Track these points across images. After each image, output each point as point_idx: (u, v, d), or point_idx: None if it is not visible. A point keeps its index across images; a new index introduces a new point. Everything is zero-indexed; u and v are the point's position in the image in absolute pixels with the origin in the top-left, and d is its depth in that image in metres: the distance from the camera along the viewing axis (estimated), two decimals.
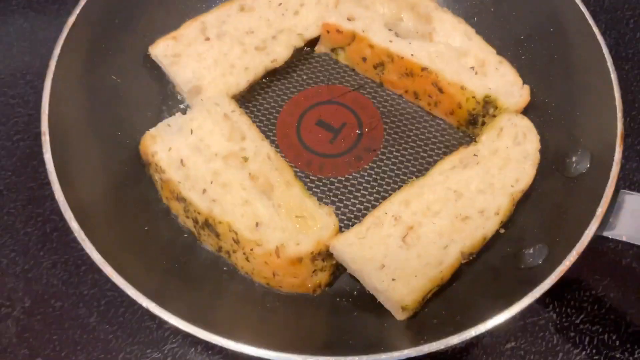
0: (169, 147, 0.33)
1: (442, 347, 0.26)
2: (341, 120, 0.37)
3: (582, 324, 0.32)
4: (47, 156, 0.29)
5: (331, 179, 0.35)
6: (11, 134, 0.37)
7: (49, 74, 0.31)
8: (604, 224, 0.28)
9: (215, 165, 0.33)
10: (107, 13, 0.35)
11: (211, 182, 0.32)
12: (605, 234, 0.28)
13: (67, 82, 0.32)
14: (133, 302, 0.26)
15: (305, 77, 0.38)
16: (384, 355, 0.25)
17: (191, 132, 0.33)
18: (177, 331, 0.31)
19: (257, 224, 0.31)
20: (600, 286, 0.33)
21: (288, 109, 0.37)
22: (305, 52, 0.39)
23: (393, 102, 0.38)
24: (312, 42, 0.39)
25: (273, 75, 0.38)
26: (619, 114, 0.31)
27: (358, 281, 0.31)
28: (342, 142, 0.36)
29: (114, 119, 0.34)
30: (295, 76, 0.38)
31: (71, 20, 0.33)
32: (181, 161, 0.33)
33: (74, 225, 0.27)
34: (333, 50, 0.39)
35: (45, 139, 0.29)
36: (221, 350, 0.31)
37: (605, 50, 0.32)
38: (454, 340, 0.26)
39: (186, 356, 0.31)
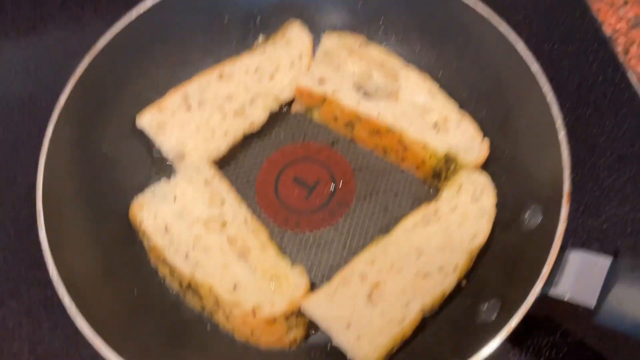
0: (154, 215, 0.36)
1: None
2: (316, 176, 0.40)
3: None
4: (42, 234, 0.32)
5: (307, 234, 0.38)
6: (14, 202, 0.40)
7: (43, 152, 0.34)
8: (550, 282, 0.30)
9: (196, 230, 0.36)
10: (95, 89, 0.37)
11: (193, 247, 0.35)
12: (550, 292, 0.30)
13: (60, 158, 0.35)
14: None
15: (282, 135, 0.41)
16: None
17: (175, 199, 0.36)
18: None
19: (234, 287, 0.34)
20: (558, 332, 0.36)
21: (266, 167, 0.40)
22: (282, 112, 0.41)
23: (364, 157, 0.40)
24: (289, 103, 0.41)
25: (252, 136, 0.40)
26: (567, 172, 0.33)
27: None
28: (317, 198, 0.39)
29: (106, 187, 0.37)
30: (273, 135, 0.41)
31: (62, 99, 0.36)
32: (166, 227, 0.36)
33: (66, 301, 0.30)
34: (308, 109, 0.41)
35: (40, 217, 0.32)
36: None
37: (555, 109, 0.34)
38: None
39: None
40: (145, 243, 0.36)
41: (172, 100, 0.39)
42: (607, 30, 0.47)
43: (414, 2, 0.40)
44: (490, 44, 0.37)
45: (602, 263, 0.30)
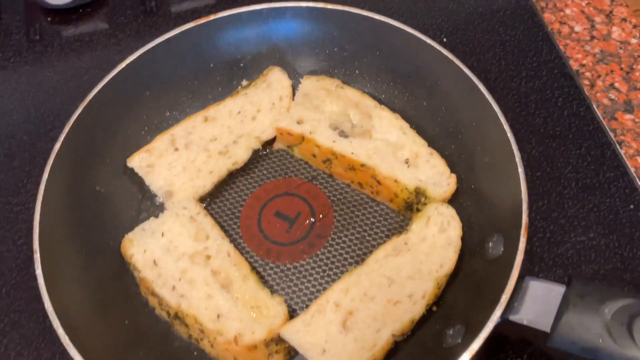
0: (144, 250, 0.39)
1: None
2: (296, 210, 0.42)
3: None
4: (38, 272, 0.35)
5: (287, 266, 0.40)
6: (15, 239, 0.43)
7: (39, 197, 0.37)
8: (509, 308, 0.33)
9: (182, 264, 0.38)
10: (88, 134, 0.40)
11: (179, 279, 0.38)
12: (510, 317, 0.33)
13: (55, 199, 0.38)
14: None
15: (265, 172, 0.44)
16: None
17: (162, 235, 0.39)
18: None
19: (218, 316, 0.36)
20: (525, 354, 0.38)
21: (250, 202, 0.43)
22: (265, 150, 0.44)
23: (342, 191, 0.43)
24: (270, 141, 0.44)
25: (236, 173, 0.43)
26: (525, 206, 0.35)
27: None
28: (297, 230, 0.41)
29: (98, 225, 0.40)
30: (256, 172, 0.44)
31: (57, 146, 0.39)
32: (154, 261, 0.38)
33: (60, 332, 0.33)
34: (289, 146, 0.44)
35: (37, 257, 0.35)
36: None
37: (514, 146, 0.37)
38: None
39: None
40: (136, 275, 0.39)
41: (160, 143, 0.42)
42: (574, 65, 0.50)
43: (385, 48, 0.43)
44: (456, 86, 0.40)
45: (556, 290, 0.33)
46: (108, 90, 0.40)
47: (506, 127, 0.37)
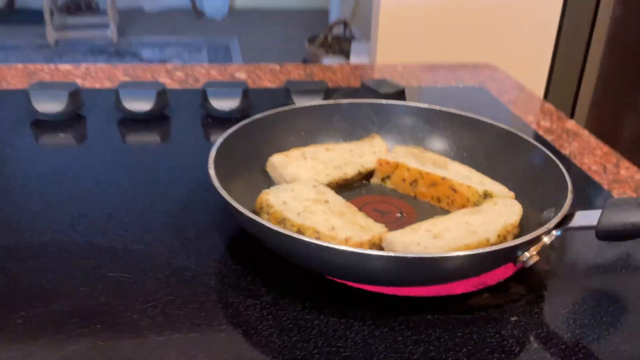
0: (277, 196, 0.51)
1: None
2: (388, 209, 0.54)
3: None
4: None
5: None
6: None
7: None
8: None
9: (306, 203, 0.49)
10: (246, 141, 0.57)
11: (303, 210, 0.49)
12: None
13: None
14: None
15: (364, 191, 0.58)
16: None
17: (292, 190, 0.51)
18: None
19: (332, 227, 0.46)
20: None
21: (352, 203, 0.55)
22: (365, 181, 0.59)
23: (423, 204, 0.56)
24: (369, 176, 0.59)
25: (343, 187, 0.57)
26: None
27: None
28: (388, 219, 0.53)
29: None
30: (358, 191, 0.57)
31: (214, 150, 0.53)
32: (284, 201, 0.50)
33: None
34: (383, 179, 0.59)
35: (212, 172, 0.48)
36: None
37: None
38: None
39: None
40: (267, 212, 0.50)
41: (294, 153, 0.58)
42: None
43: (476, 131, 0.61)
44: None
45: None
46: (274, 117, 0.59)
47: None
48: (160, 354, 0.39)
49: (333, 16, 3.81)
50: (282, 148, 0.58)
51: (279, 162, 0.56)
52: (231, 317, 0.42)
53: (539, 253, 0.44)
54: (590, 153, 0.70)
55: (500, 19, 1.28)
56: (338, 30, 3.45)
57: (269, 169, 0.57)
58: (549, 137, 0.74)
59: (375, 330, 0.42)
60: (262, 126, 0.58)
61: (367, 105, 0.64)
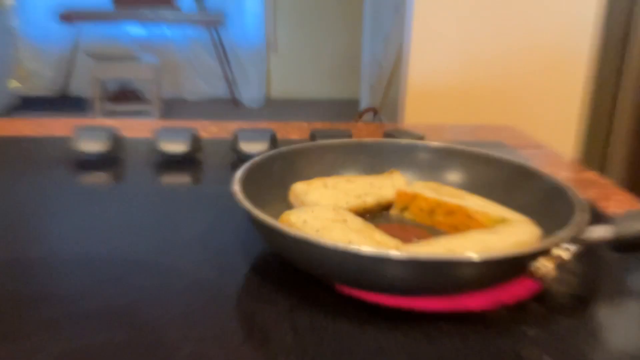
0: (298, 216, 0.53)
1: None
2: (405, 235, 0.55)
3: None
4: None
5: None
6: None
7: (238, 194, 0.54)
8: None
9: (325, 222, 0.51)
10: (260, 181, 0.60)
11: (322, 228, 0.50)
12: None
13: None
14: None
15: (382, 220, 0.59)
16: None
17: (312, 211, 0.53)
18: None
19: (349, 242, 0.48)
20: None
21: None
22: (383, 214, 0.61)
23: (441, 233, 0.57)
24: (388, 207, 0.61)
25: (362, 216, 0.59)
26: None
27: None
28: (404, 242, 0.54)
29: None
30: (376, 220, 0.59)
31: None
32: (304, 220, 0.52)
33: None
34: (401, 210, 0.60)
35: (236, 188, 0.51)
36: None
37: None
38: None
39: None
40: None
41: (316, 182, 0.60)
42: None
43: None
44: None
45: None
46: (298, 151, 0.62)
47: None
48: (176, 353, 0.40)
49: (363, 105, 3.96)
50: (305, 179, 0.61)
51: (301, 190, 0.59)
52: (248, 320, 0.43)
53: (558, 272, 0.45)
54: (611, 198, 0.70)
55: (524, 105, 1.33)
56: (367, 118, 3.56)
57: (291, 197, 0.59)
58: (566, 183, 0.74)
59: (390, 337, 0.42)
60: (287, 158, 0.61)
61: (388, 144, 0.66)
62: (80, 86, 4.56)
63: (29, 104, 4.34)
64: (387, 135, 0.77)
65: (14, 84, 4.53)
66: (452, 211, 0.57)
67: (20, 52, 4.56)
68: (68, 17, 4.14)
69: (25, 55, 4.59)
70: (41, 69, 4.63)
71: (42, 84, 4.63)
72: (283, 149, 0.62)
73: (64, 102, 4.39)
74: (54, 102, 4.37)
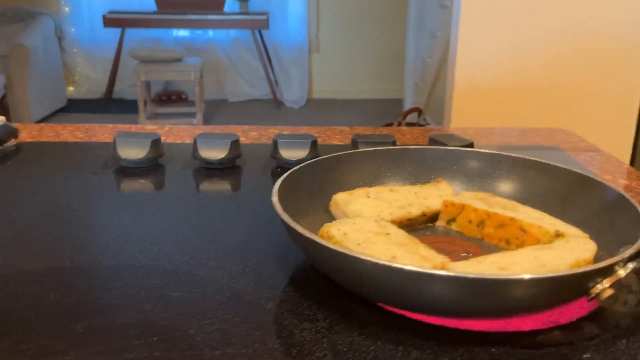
0: (338, 228, 0.51)
1: None
2: (453, 249, 0.53)
3: None
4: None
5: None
6: None
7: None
8: None
9: (367, 235, 0.49)
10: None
11: (364, 241, 0.48)
12: None
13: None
14: None
15: (429, 232, 0.56)
16: None
17: (354, 223, 0.51)
18: None
19: (393, 257, 0.45)
20: None
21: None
22: (430, 223, 0.58)
23: (491, 247, 0.54)
24: (434, 218, 0.58)
25: (408, 229, 0.56)
26: None
27: None
28: (453, 257, 0.51)
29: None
30: (422, 232, 0.56)
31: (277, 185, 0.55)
32: (345, 233, 0.50)
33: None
34: (448, 222, 0.57)
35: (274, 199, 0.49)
36: None
37: None
38: None
39: None
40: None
41: (358, 192, 0.58)
42: None
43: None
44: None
45: None
46: (339, 158, 0.60)
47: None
48: None
49: (407, 105, 3.90)
50: (346, 189, 0.59)
51: (342, 200, 0.57)
52: (285, 337, 0.42)
53: (615, 291, 0.41)
54: None
55: (576, 106, 1.27)
56: (412, 118, 3.51)
57: (332, 207, 0.58)
58: (628, 194, 0.70)
59: None
60: (328, 166, 0.60)
61: (434, 151, 0.64)
62: (125, 88, 4.67)
63: (76, 106, 4.47)
64: (433, 140, 0.74)
65: (70, 90, 4.68)
66: (503, 224, 0.54)
67: (70, 57, 4.71)
68: (114, 22, 4.24)
69: (75, 60, 4.73)
70: (90, 72, 4.76)
71: (90, 87, 4.76)
72: (323, 157, 0.60)
73: (111, 104, 4.50)
74: (102, 104, 4.48)
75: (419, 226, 0.57)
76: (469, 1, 1.85)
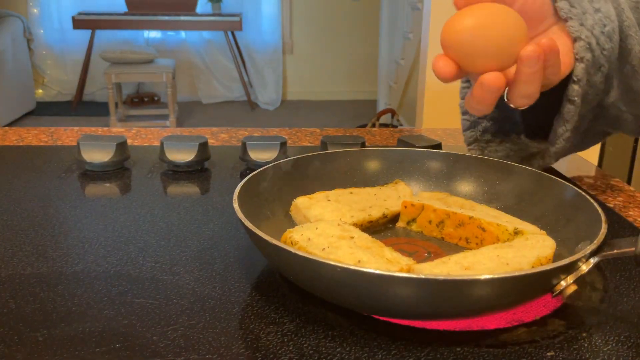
0: (301, 234, 0.50)
1: None
2: (415, 249, 0.53)
3: None
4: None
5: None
6: None
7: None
8: None
9: (331, 239, 0.49)
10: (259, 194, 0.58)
11: (328, 246, 0.48)
12: None
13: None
14: None
15: (389, 233, 0.57)
16: None
17: (316, 228, 0.51)
18: None
19: (359, 261, 0.45)
20: None
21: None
22: (390, 225, 0.58)
23: (452, 245, 0.54)
24: (394, 220, 0.58)
25: (368, 230, 0.56)
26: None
27: None
28: (416, 258, 0.52)
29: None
30: (383, 233, 0.57)
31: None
32: (309, 238, 0.50)
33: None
34: (408, 223, 0.58)
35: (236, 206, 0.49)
36: None
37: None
38: None
39: None
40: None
41: (318, 196, 0.58)
42: None
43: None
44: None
45: None
46: (298, 162, 0.60)
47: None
48: None
49: (381, 106, 3.93)
50: (306, 193, 0.59)
51: (303, 204, 0.57)
52: (251, 342, 0.41)
53: (578, 287, 0.42)
54: (637, 207, 0.67)
55: None
56: (386, 119, 3.52)
57: (292, 211, 0.57)
58: (592, 192, 0.71)
59: None
60: (286, 170, 0.59)
61: (393, 152, 0.64)
62: (96, 90, 4.60)
63: (46, 109, 4.38)
64: (402, 141, 0.75)
65: (39, 92, 4.58)
66: (463, 223, 0.54)
67: (39, 59, 4.62)
68: (84, 23, 4.18)
69: (44, 62, 4.64)
70: (59, 74, 4.68)
71: (60, 89, 4.68)
72: (281, 161, 0.60)
73: (82, 107, 4.43)
74: (71, 107, 4.40)
75: (380, 228, 0.58)
76: (439, 3, 1.87)
